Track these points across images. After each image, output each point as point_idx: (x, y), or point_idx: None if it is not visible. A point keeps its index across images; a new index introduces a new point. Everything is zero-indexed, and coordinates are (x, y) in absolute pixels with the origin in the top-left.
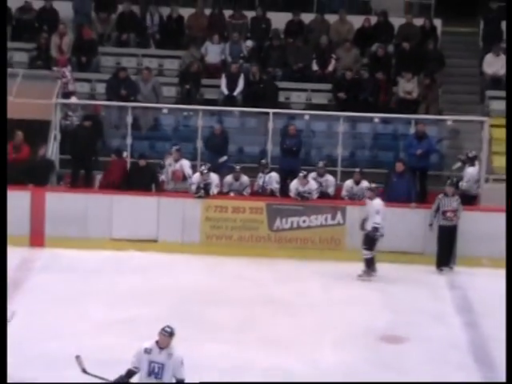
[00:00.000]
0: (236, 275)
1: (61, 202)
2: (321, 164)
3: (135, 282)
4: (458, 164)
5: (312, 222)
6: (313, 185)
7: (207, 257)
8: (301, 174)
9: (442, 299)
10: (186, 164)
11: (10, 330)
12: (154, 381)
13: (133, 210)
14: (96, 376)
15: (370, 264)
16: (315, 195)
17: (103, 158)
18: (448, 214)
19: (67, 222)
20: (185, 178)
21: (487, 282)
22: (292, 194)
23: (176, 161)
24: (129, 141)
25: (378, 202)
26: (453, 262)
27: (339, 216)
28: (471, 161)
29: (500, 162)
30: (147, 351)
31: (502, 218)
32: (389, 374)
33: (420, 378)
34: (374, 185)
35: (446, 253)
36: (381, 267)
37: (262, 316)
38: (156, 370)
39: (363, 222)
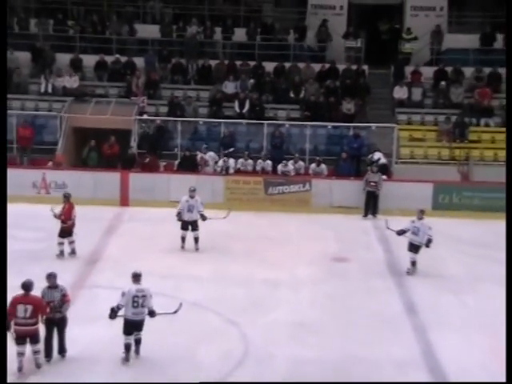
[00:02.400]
0: (245, 222)
1: (139, 179)
2: (296, 155)
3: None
4: (372, 154)
5: (291, 189)
6: (291, 167)
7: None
8: (283, 162)
9: (369, 235)
10: (210, 155)
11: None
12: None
13: (182, 183)
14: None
15: (414, 264)
16: (292, 173)
17: (165, 151)
18: (372, 184)
19: (144, 191)
20: (208, 164)
21: (397, 224)
22: (279, 172)
23: (205, 153)
24: (179, 141)
25: (426, 222)
26: (376, 213)
27: (308, 185)
28: (375, 150)
29: (404, 151)
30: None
31: (406, 185)
32: (337, 281)
33: (356, 283)
34: (422, 209)
35: (371, 208)
36: (333, 217)
37: (261, 247)
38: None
39: (402, 231)
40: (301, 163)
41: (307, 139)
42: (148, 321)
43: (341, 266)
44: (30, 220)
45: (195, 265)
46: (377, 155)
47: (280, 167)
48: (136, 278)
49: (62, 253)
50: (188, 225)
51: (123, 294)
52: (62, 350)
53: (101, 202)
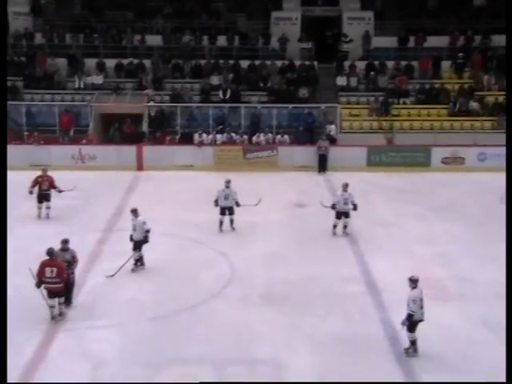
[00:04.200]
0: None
1: (150, 150)
2: (266, 129)
3: (186, 185)
4: (329, 126)
5: (263, 154)
6: (262, 138)
7: (216, 172)
8: (257, 134)
9: (321, 186)
10: (204, 135)
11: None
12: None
13: (182, 152)
14: None
15: (414, 343)
16: (263, 143)
17: (169, 129)
18: (322, 149)
19: (154, 159)
20: (202, 143)
21: (342, 178)
22: (253, 142)
23: (200, 134)
24: (179, 121)
25: (414, 293)
26: (326, 170)
27: (275, 151)
28: (331, 123)
29: (345, 124)
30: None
31: (347, 149)
32: (298, 221)
33: (313, 222)
34: (415, 277)
35: (322, 166)
36: (295, 174)
37: (242, 198)
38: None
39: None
40: (269, 135)
41: (274, 117)
42: (159, 252)
43: (301, 211)
44: (70, 183)
45: (195, 214)
46: (331, 128)
47: (254, 138)
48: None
49: (40, 215)
50: (225, 210)
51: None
52: (69, 302)
53: (122, 168)
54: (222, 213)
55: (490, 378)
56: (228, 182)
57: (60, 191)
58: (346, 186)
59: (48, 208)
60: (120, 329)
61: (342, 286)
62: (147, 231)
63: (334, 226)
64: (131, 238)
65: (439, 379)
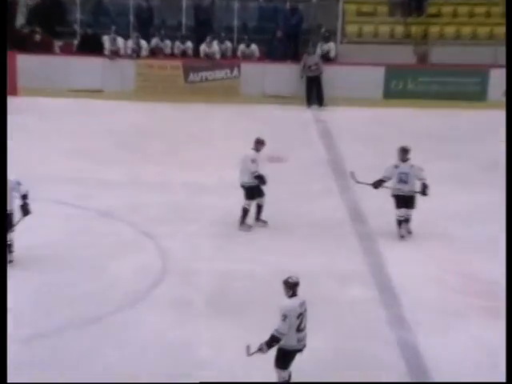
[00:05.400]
0: (161, 116)
1: (29, 62)
2: (222, 34)
3: (90, 122)
4: (322, 43)
5: (216, 75)
6: (216, 48)
7: (139, 103)
8: (207, 40)
9: (310, 129)
10: (120, 41)
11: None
12: None
13: (83, 67)
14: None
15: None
16: (217, 56)
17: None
18: (312, 68)
19: (36, 77)
20: (119, 55)
21: (342, 115)
22: (201, 55)
23: (114, 39)
24: (78, 16)
25: (289, 304)
26: (323, 103)
27: (236, 71)
28: (328, 38)
29: (351, 28)
30: None
31: (354, 69)
32: (272, 183)
33: (294, 187)
34: (293, 278)
35: (312, 97)
36: (265, 108)
37: (181, 145)
38: None
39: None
40: (227, 44)
41: (235, 14)
42: (45, 229)
43: (276, 167)
44: None
45: (103, 168)
46: (328, 46)
47: (203, 48)
48: None
49: None
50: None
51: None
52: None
53: None
54: (250, 195)
55: None
56: (260, 144)
57: None
58: (404, 153)
59: None
60: None
61: (337, 289)
62: (24, 197)
63: (399, 223)
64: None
65: None
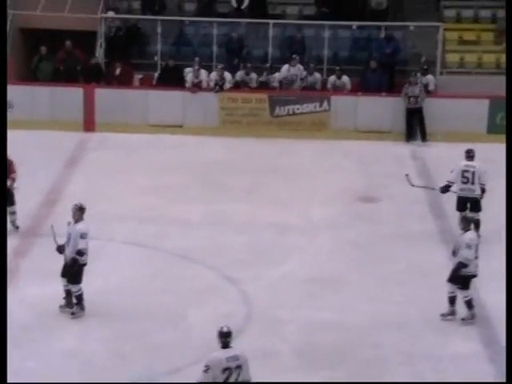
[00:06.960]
0: (246, 151)
1: (107, 96)
2: (311, 64)
3: (170, 157)
4: (418, 75)
5: (304, 108)
6: (298, 70)
7: (223, 138)
8: (293, 56)
9: (407, 166)
10: (203, 73)
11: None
12: None
13: (163, 101)
14: None
15: (470, 306)
16: (298, 82)
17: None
18: (412, 100)
19: (113, 112)
20: (201, 88)
21: (442, 151)
22: (281, 76)
23: (197, 71)
24: (159, 47)
25: (469, 236)
26: (426, 137)
27: (325, 104)
28: (426, 71)
29: (452, 58)
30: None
31: (453, 102)
32: (364, 224)
33: (389, 228)
34: (471, 214)
35: (413, 131)
36: (357, 143)
37: (266, 182)
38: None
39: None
40: (317, 75)
41: (325, 44)
42: (117, 273)
43: (368, 207)
44: None
45: (182, 205)
46: (427, 79)
47: (285, 67)
48: None
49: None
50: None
51: None
52: None
53: (59, 126)
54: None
55: None
56: (470, 154)
57: None
58: (470, 155)
59: None
60: None
61: (437, 342)
62: (78, 253)
63: (476, 225)
64: (60, 251)
65: None
